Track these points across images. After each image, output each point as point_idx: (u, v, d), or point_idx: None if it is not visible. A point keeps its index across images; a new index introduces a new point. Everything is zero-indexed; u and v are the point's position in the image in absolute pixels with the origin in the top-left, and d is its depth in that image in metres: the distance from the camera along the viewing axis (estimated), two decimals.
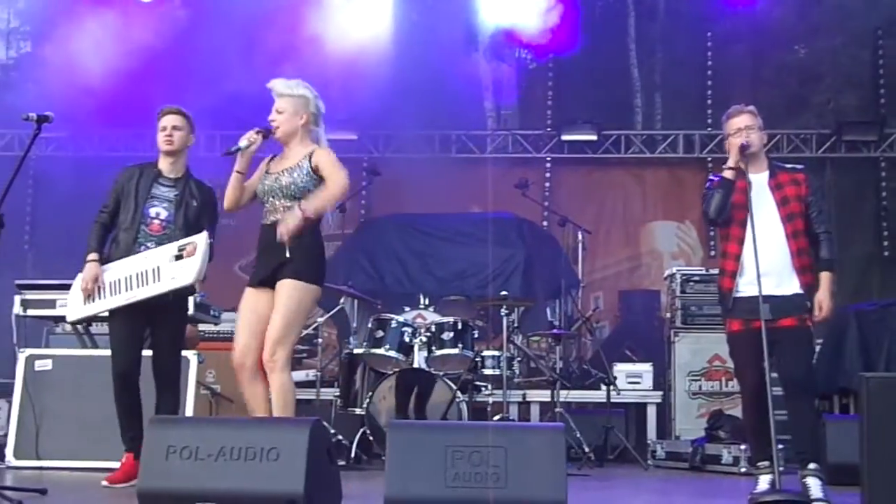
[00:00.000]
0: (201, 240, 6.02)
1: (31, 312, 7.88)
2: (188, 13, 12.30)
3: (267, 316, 5.58)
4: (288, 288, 5.54)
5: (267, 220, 5.71)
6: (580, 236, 11.32)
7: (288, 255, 5.52)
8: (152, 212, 6.19)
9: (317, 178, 5.65)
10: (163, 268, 6.00)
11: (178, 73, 12.40)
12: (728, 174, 5.87)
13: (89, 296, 6.15)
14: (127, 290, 6.04)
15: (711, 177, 6.15)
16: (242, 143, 5.79)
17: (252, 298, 5.67)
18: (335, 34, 11.49)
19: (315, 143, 5.86)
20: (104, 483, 5.98)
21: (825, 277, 5.75)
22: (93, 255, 6.19)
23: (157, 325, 6.23)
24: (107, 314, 6.27)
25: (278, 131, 5.81)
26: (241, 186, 5.82)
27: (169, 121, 6.29)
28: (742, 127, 5.90)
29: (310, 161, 5.69)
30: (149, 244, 6.12)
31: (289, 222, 5.51)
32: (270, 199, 5.70)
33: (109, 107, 11.79)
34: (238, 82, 12.70)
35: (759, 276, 5.54)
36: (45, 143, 12.60)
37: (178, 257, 5.99)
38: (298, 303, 5.56)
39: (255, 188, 5.82)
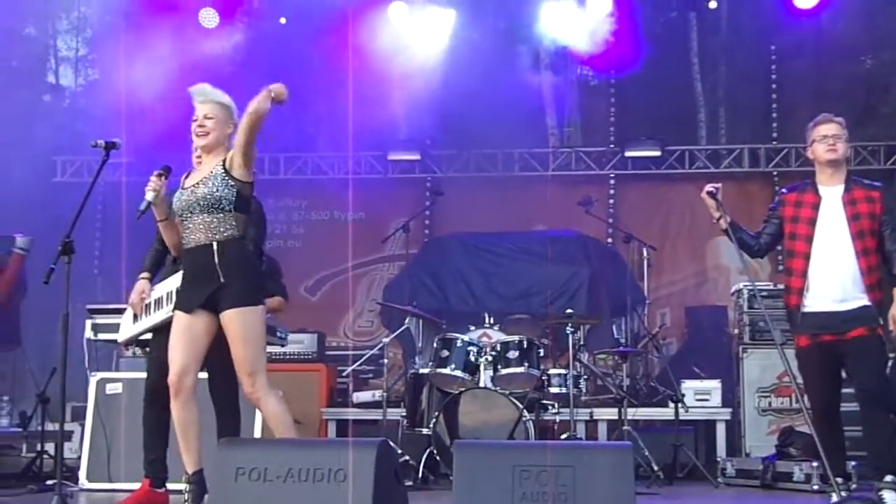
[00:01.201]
0: None
1: (101, 336, 7.98)
2: (251, 37, 12.44)
3: (202, 338, 5.38)
4: (236, 318, 5.31)
5: (190, 243, 5.42)
6: (645, 253, 11.25)
7: (223, 279, 5.30)
8: None
9: (233, 183, 5.35)
10: None
11: (241, 96, 12.54)
12: (721, 225, 5.85)
13: (136, 315, 6.18)
14: (167, 304, 5.99)
15: (783, 190, 6.10)
16: (149, 196, 5.50)
17: (185, 322, 5.38)
18: (396, 55, 11.56)
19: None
20: None
21: None
22: (143, 274, 6.20)
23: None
24: (150, 336, 6.22)
25: (208, 138, 5.49)
26: (175, 228, 5.58)
27: None
28: (829, 134, 5.82)
29: (223, 164, 5.41)
30: None
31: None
32: (189, 215, 5.38)
33: (175, 132, 11.92)
34: (300, 104, 12.86)
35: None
36: (113, 169, 12.79)
37: None
38: (252, 328, 5.35)
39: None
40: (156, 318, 6.12)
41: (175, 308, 5.49)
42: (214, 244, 5.34)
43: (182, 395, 5.33)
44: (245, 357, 5.32)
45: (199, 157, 5.77)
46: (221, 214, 5.35)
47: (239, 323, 5.31)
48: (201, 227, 5.36)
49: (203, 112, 5.54)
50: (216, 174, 5.38)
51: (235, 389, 6.04)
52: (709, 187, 5.88)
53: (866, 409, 5.56)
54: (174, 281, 6.03)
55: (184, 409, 5.35)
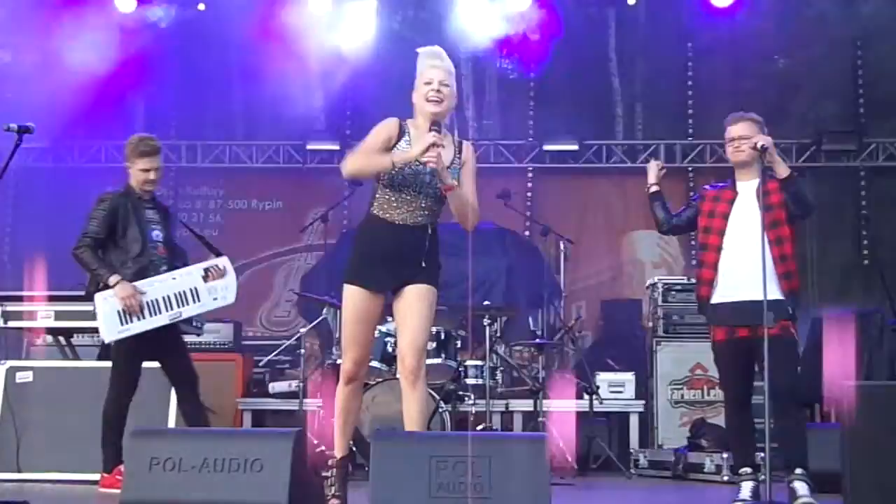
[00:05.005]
0: (226, 262, 6.53)
1: (11, 324, 7.84)
2: (168, 22, 12.28)
3: (375, 322, 5.46)
4: (429, 295, 5.29)
5: (406, 220, 5.30)
6: (562, 246, 11.32)
7: (424, 264, 5.29)
8: (154, 235, 6.45)
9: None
10: (200, 288, 6.39)
11: (158, 82, 12.39)
12: (651, 189, 6.17)
13: (125, 315, 6.25)
14: (167, 309, 6.30)
15: (706, 186, 6.20)
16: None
17: (366, 303, 5.33)
18: (318, 44, 11.49)
19: None
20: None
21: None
22: (118, 276, 6.24)
23: (164, 338, 6.44)
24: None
25: (442, 105, 5.25)
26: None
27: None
28: (735, 136, 5.92)
29: (460, 157, 5.36)
30: (162, 268, 6.41)
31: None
32: (416, 194, 5.27)
33: (90, 117, 11.77)
34: (217, 92, 12.75)
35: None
36: (26, 154, 12.55)
37: (206, 278, 6.39)
38: (433, 308, 5.34)
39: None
40: (154, 321, 6.31)
41: (355, 284, 5.39)
42: (430, 228, 5.33)
43: (356, 382, 5.37)
44: (424, 332, 5.28)
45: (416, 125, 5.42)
46: (442, 203, 5.34)
47: (430, 300, 5.29)
48: (425, 209, 5.31)
49: (440, 78, 5.29)
50: (454, 169, 5.33)
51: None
52: (657, 163, 6.08)
53: (778, 405, 5.67)
54: (161, 287, 6.31)
55: (355, 397, 5.41)
